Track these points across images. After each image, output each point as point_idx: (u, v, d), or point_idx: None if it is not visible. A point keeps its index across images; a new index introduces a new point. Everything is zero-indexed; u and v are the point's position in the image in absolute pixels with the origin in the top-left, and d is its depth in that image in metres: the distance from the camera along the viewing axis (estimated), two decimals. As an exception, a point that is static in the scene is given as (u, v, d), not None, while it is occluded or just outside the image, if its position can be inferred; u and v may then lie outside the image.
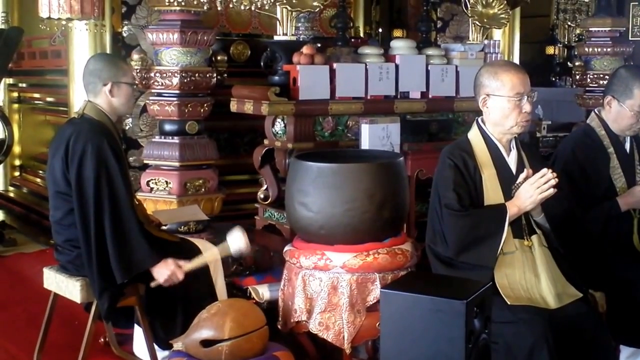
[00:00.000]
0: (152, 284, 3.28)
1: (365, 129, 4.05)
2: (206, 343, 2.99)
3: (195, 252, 3.51)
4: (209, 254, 3.46)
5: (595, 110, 3.68)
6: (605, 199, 3.46)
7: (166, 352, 3.32)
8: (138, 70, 4.34)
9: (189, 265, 3.33)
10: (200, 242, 3.65)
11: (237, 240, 3.34)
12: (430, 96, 4.49)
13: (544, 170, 2.95)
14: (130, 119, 5.38)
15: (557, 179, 2.93)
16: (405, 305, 2.41)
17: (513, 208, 2.96)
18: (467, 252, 2.94)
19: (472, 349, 2.38)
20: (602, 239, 3.42)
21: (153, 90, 4.49)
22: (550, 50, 11.10)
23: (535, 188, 2.93)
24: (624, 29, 5.92)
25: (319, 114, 4.17)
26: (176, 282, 3.28)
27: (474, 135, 3.13)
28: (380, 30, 9.03)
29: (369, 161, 3.48)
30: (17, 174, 7.16)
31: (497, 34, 6.97)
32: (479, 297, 2.42)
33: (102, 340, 3.77)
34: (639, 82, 3.47)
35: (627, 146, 3.60)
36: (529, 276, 2.96)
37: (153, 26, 4.56)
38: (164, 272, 3.25)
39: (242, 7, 4.10)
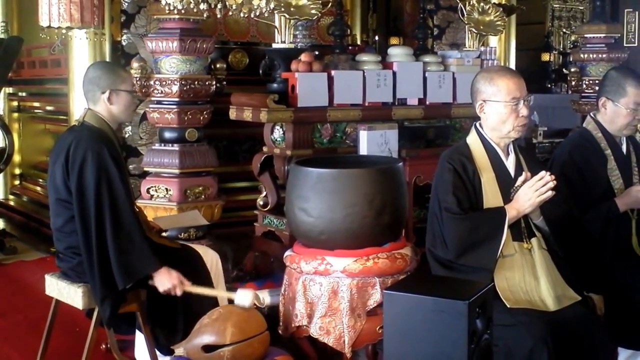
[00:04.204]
0: (150, 282, 3.29)
1: (363, 135, 4.08)
2: (207, 348, 3.00)
3: (195, 258, 3.53)
4: (216, 292, 3.45)
5: (591, 113, 3.72)
6: (603, 200, 3.48)
7: (168, 358, 3.33)
8: (138, 79, 4.36)
9: (191, 288, 3.31)
10: (200, 248, 3.67)
11: (245, 299, 3.20)
12: (427, 103, 4.51)
13: (542, 173, 2.97)
14: (130, 127, 5.41)
15: (555, 182, 2.94)
16: (408, 306, 2.43)
17: (512, 211, 2.98)
18: (467, 255, 2.95)
19: (474, 349, 2.40)
20: (601, 242, 3.44)
21: (153, 98, 4.52)
22: (545, 57, 11.15)
23: (534, 191, 2.94)
24: (619, 35, 5.96)
25: (317, 121, 4.19)
26: (172, 295, 3.28)
27: (472, 139, 3.15)
28: (377, 37, 9.07)
29: (368, 166, 3.50)
30: (17, 182, 7.20)
31: (493, 40, 7.00)
32: (480, 297, 2.44)
33: (103, 346, 3.79)
34: (631, 80, 3.54)
35: (624, 148, 3.63)
36: (528, 279, 2.98)
37: (152, 34, 4.60)
38: (166, 282, 3.26)
39: (242, 15, 4.12)
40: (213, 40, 4.58)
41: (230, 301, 3.32)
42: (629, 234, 3.51)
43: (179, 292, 3.28)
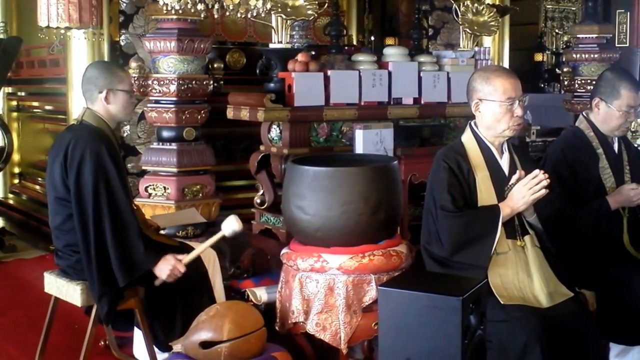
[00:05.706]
0: (157, 282, 3.33)
1: (359, 134, 4.10)
2: (205, 344, 3.02)
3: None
4: (204, 245, 3.49)
5: (584, 112, 3.74)
6: (595, 198, 3.50)
7: (166, 354, 3.36)
8: (136, 78, 4.39)
9: (187, 257, 3.37)
10: (198, 246, 3.70)
11: (230, 223, 3.35)
12: (422, 102, 4.53)
13: (536, 171, 3.00)
14: (128, 126, 5.44)
15: (548, 180, 2.97)
16: (403, 302, 2.44)
17: (506, 209, 3.00)
18: (462, 252, 2.98)
19: (468, 345, 2.41)
20: (593, 239, 3.47)
21: (151, 98, 4.54)
22: (538, 57, 11.20)
23: (528, 189, 2.97)
24: (611, 35, 6.00)
25: (313, 120, 4.21)
26: (179, 276, 3.32)
27: (467, 138, 3.18)
28: (372, 38, 9.09)
29: (364, 165, 3.53)
30: (16, 181, 7.21)
31: (487, 41, 7.04)
32: (474, 293, 2.46)
33: (102, 343, 3.81)
34: (625, 82, 3.55)
35: (616, 146, 3.65)
36: (521, 276, 3.01)
37: (150, 35, 4.63)
38: (165, 268, 3.30)
39: (239, 15, 4.15)
40: (210, 40, 4.61)
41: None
42: (620, 232, 3.54)
43: (181, 269, 3.31)
